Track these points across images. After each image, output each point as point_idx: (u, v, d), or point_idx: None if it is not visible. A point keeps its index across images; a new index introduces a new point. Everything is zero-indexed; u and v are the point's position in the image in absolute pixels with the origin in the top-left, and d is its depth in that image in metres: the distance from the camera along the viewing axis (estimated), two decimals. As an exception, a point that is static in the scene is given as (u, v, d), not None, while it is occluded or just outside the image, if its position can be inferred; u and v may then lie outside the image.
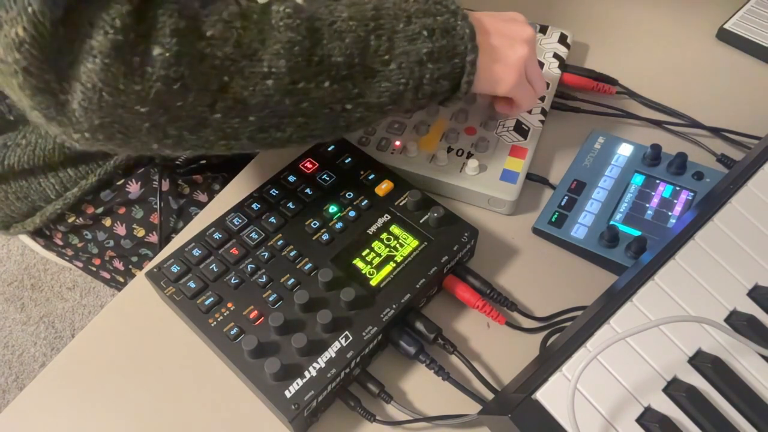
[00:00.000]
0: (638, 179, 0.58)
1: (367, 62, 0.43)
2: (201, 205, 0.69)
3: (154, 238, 0.69)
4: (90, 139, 0.39)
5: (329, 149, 0.57)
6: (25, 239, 0.73)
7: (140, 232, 0.68)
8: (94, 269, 0.75)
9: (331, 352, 0.44)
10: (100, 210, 0.67)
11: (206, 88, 0.39)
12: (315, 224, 0.51)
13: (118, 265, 0.72)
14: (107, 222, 0.68)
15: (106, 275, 0.75)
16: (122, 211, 0.68)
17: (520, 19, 0.54)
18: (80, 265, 0.76)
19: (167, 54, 0.37)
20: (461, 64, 0.46)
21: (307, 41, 0.41)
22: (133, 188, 0.67)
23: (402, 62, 0.44)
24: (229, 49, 0.39)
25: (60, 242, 0.71)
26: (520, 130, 0.60)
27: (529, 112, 0.62)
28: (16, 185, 0.64)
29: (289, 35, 0.40)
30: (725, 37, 0.72)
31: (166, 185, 0.68)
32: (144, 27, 0.36)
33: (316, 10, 0.42)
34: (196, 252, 0.50)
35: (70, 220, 0.68)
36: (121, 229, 0.68)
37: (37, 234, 0.71)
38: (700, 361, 0.42)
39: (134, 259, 0.70)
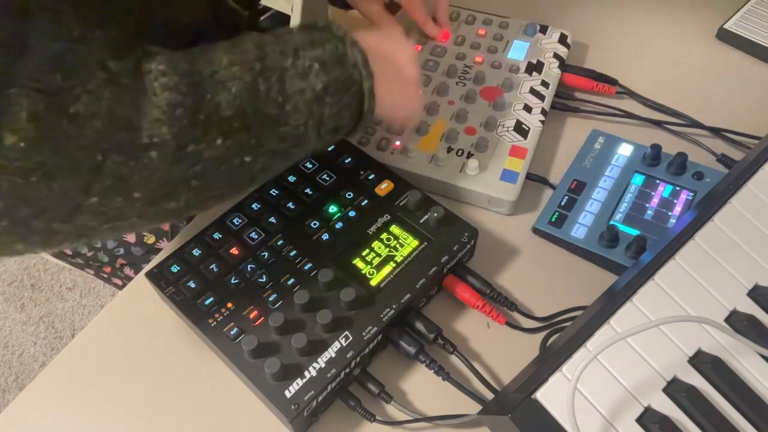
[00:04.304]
0: (638, 179, 0.58)
1: (260, 108, 0.39)
2: None
3: (164, 244, 0.68)
4: None
5: (329, 149, 0.57)
6: None
7: (150, 239, 0.68)
8: (105, 276, 0.75)
9: (331, 352, 0.44)
10: None
11: (76, 171, 0.33)
12: (315, 224, 0.51)
13: (129, 272, 0.72)
14: None
15: (118, 281, 0.76)
16: None
17: (399, 33, 0.52)
18: (92, 272, 0.76)
19: (22, 144, 0.31)
20: (360, 92, 0.43)
21: (189, 99, 0.36)
22: None
23: (298, 101, 0.40)
24: (99, 124, 0.33)
25: (69, 252, 0.71)
26: (520, 130, 0.60)
27: (529, 111, 0.62)
28: None
29: (168, 97, 0.35)
30: (725, 37, 0.72)
31: None
32: None
33: (193, 60, 0.38)
34: (196, 252, 0.50)
35: None
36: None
37: None
38: (700, 361, 0.42)
39: (145, 266, 0.70)
